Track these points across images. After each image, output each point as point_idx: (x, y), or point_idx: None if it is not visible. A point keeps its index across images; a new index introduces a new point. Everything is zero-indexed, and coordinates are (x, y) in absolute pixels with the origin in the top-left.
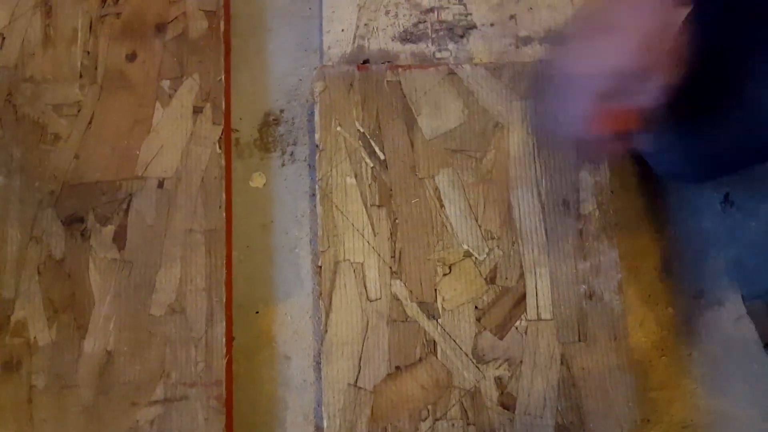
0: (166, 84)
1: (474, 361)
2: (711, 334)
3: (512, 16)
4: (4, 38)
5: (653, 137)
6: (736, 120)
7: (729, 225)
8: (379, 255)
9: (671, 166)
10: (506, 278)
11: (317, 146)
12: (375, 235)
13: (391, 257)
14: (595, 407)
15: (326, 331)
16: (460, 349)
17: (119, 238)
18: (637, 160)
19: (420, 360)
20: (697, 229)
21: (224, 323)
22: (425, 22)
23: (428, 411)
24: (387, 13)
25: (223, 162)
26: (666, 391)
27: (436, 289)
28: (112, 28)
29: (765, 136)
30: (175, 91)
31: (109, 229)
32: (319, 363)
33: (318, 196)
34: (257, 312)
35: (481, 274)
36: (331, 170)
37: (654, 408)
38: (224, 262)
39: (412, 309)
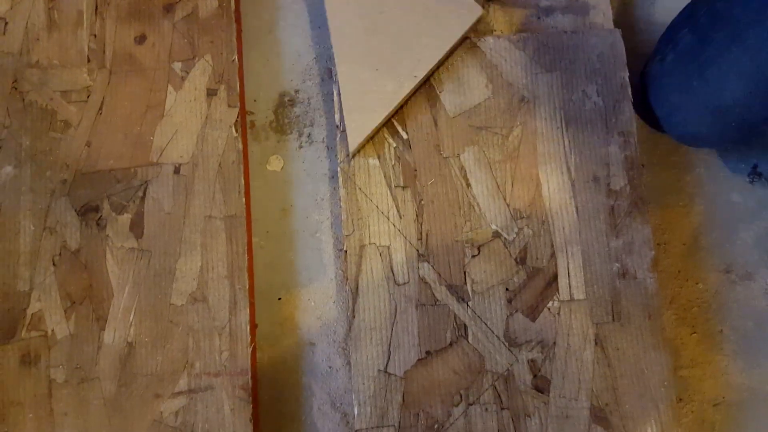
0: (177, 66)
1: (506, 344)
2: (742, 309)
3: None
4: (6, 23)
5: (663, 95)
6: (743, 68)
7: (758, 197)
8: (405, 238)
9: (684, 126)
10: (537, 258)
11: (337, 127)
12: (401, 218)
13: (418, 240)
14: (630, 388)
15: (354, 317)
16: (492, 332)
17: (136, 227)
18: (656, 127)
19: (451, 344)
20: (726, 201)
21: (248, 311)
22: None
23: (461, 396)
24: None
25: (240, 145)
26: (697, 368)
27: (465, 272)
28: (118, 9)
29: None
30: (188, 73)
31: (126, 218)
32: (344, 348)
33: (340, 179)
34: (280, 298)
35: (510, 254)
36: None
37: (686, 386)
38: (246, 248)
39: (441, 292)
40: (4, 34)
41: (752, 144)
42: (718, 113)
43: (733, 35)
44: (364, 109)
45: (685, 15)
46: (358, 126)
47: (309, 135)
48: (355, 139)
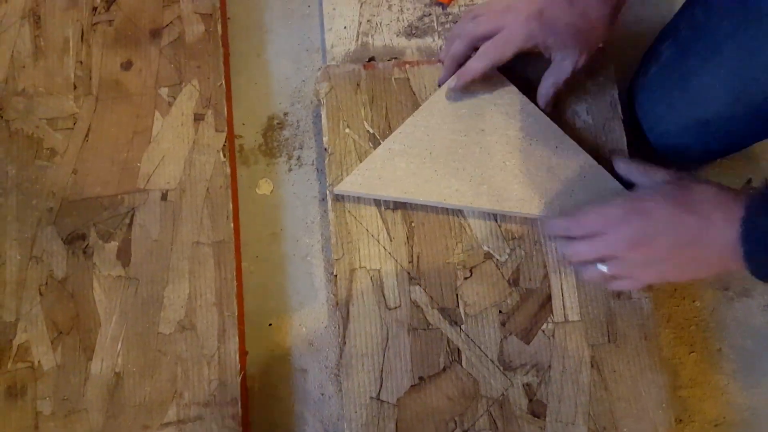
0: (164, 92)
1: (501, 368)
2: (740, 327)
3: None
4: None
5: (647, 108)
6: (723, 79)
7: None
8: (396, 261)
9: (667, 139)
10: (530, 279)
11: (326, 150)
12: (391, 240)
13: (409, 262)
14: (628, 411)
15: (344, 342)
16: (486, 356)
17: (123, 255)
18: (643, 141)
19: (444, 369)
20: None
21: (237, 338)
22: (430, 15)
23: (455, 422)
24: (390, 7)
25: (228, 170)
26: (696, 388)
27: (457, 294)
28: (104, 36)
29: (752, 98)
30: (174, 98)
31: (113, 246)
32: (336, 375)
33: (329, 202)
34: (270, 324)
35: (503, 276)
36: (341, 174)
37: (685, 407)
38: (234, 274)
39: (434, 316)
40: None
41: (747, 157)
42: (700, 125)
43: (713, 46)
44: (374, 172)
45: (668, 28)
46: (359, 180)
47: (298, 158)
48: (342, 183)
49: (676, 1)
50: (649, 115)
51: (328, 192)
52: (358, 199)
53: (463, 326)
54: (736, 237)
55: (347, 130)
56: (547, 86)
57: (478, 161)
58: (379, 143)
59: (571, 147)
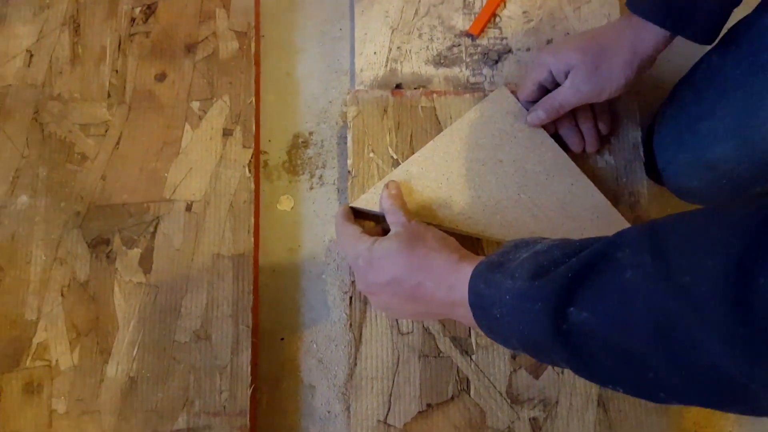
0: (195, 105)
1: (508, 400)
2: None
3: (549, 41)
4: (31, 56)
5: (660, 149)
6: (731, 124)
7: None
8: None
9: (678, 179)
10: None
11: (350, 172)
12: None
13: None
14: None
15: (355, 364)
16: (495, 387)
17: (145, 262)
18: (659, 182)
19: (452, 398)
20: None
21: (250, 351)
22: (459, 45)
23: None
24: (420, 36)
25: (252, 186)
26: None
27: None
28: (141, 47)
29: (757, 145)
30: (205, 112)
31: (135, 252)
32: (344, 393)
33: None
34: (282, 339)
35: None
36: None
37: None
38: (252, 288)
39: (445, 344)
40: (28, 66)
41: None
42: (708, 167)
43: (723, 92)
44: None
45: (688, 73)
46: (375, 198)
47: (320, 177)
48: (359, 200)
49: (700, 47)
50: (663, 155)
51: None
52: (375, 222)
53: (473, 356)
54: (460, 297)
55: (371, 155)
56: (540, 103)
57: (493, 191)
58: None
59: (587, 186)
